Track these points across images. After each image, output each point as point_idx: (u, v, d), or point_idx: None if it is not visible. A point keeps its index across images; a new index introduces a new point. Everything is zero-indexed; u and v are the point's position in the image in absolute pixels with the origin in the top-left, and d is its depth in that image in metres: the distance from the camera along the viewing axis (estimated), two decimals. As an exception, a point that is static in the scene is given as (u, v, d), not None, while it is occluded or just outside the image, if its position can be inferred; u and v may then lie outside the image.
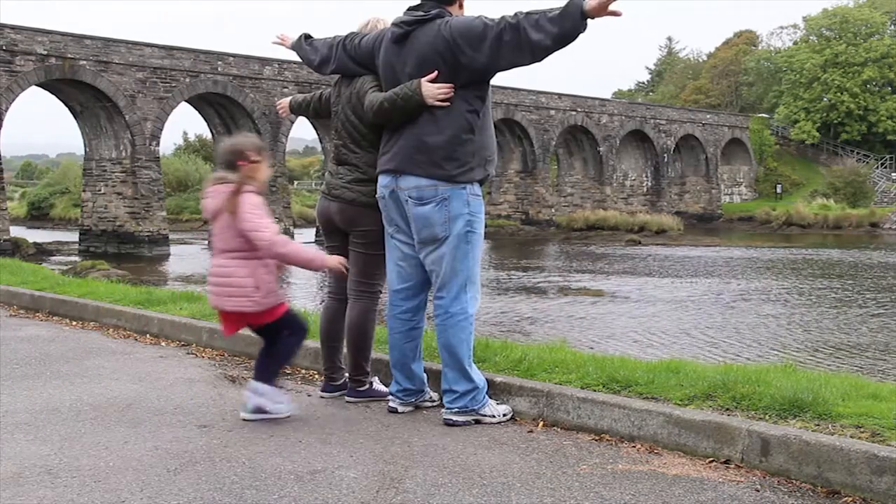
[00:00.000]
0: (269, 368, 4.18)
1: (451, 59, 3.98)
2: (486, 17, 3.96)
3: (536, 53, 3.88)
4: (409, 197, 4.09)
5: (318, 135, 43.71)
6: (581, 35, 3.80)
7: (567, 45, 3.85)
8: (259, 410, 4.09)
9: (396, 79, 4.13)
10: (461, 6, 4.19)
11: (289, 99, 5.04)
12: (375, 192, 4.30)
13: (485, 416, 4.09)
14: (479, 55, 3.94)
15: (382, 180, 4.21)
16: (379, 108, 4.14)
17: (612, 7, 3.69)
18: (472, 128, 4.08)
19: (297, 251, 4.10)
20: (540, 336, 13.84)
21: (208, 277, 4.15)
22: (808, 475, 3.24)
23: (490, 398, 4.18)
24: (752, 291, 21.46)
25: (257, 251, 3.99)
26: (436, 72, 4.00)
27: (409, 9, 4.16)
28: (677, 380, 4.10)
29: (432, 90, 4.00)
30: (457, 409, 4.08)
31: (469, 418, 4.08)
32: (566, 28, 3.78)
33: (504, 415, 4.14)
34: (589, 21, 3.75)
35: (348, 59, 4.42)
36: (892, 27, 66.76)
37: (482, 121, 4.12)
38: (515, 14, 3.90)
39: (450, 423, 4.07)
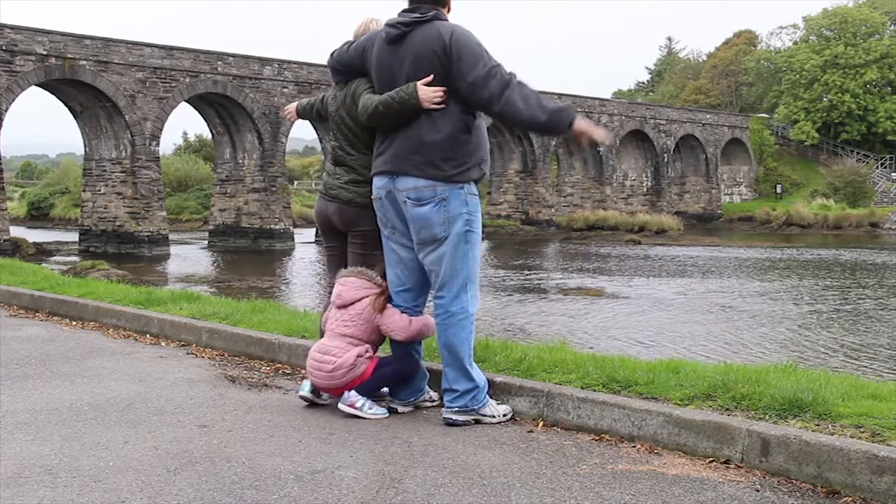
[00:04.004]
0: (364, 387, 4.26)
1: (447, 64, 4.01)
2: (485, 49, 4.04)
3: (508, 115, 4.00)
4: (408, 198, 4.10)
5: (317, 135, 43.72)
6: (553, 136, 3.95)
7: (533, 130, 4.08)
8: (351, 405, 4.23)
9: (393, 79, 4.13)
10: (449, 8, 4.24)
11: (295, 104, 5.05)
12: (370, 193, 4.31)
13: (485, 415, 4.09)
14: (463, 79, 3.98)
15: (378, 182, 4.21)
16: (374, 112, 4.14)
17: (589, 140, 4.01)
18: (468, 128, 4.11)
19: (423, 331, 4.33)
20: (540, 336, 13.85)
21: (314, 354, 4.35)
22: (808, 475, 3.24)
23: (490, 398, 4.18)
24: (741, 291, 21.49)
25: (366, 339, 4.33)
26: (432, 75, 4.01)
27: (404, 11, 4.16)
28: (677, 380, 4.10)
29: (428, 94, 4.02)
30: (457, 409, 4.08)
31: (469, 418, 4.08)
32: (552, 122, 3.99)
33: (504, 415, 4.14)
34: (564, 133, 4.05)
35: (335, 72, 4.48)
36: (892, 27, 66.71)
37: (477, 121, 4.16)
38: (509, 73, 4.02)
39: (450, 423, 4.07)
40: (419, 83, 4.02)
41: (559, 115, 4.00)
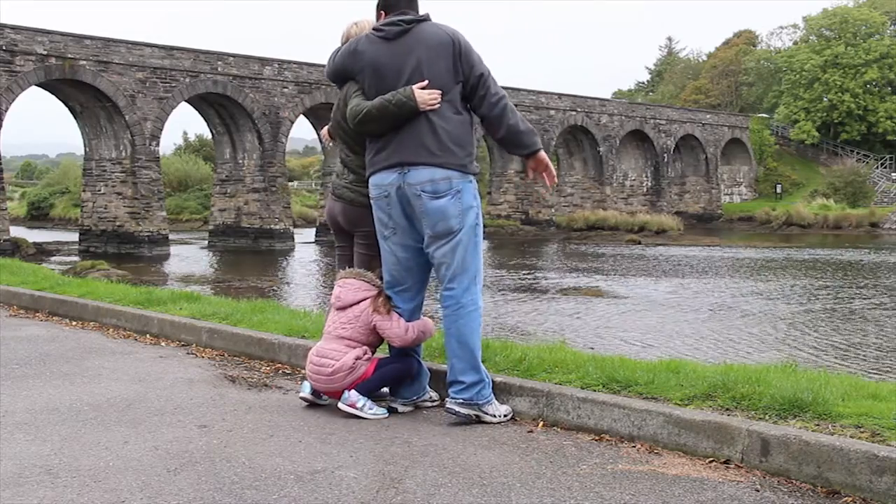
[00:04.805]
0: (364, 386, 4.25)
1: (457, 57, 4.13)
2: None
3: (501, 114, 4.15)
4: (423, 191, 4.09)
5: (318, 135, 43.73)
6: (516, 152, 4.28)
7: (509, 137, 4.19)
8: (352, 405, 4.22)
9: (398, 74, 4.13)
10: None
11: (328, 126, 4.98)
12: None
13: (486, 412, 4.08)
14: (474, 71, 4.15)
15: (383, 178, 4.17)
16: (366, 115, 4.14)
17: (544, 171, 4.30)
18: (470, 119, 4.23)
19: (421, 337, 4.34)
20: (540, 336, 13.85)
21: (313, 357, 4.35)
22: (808, 475, 3.24)
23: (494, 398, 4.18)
24: (737, 291, 21.49)
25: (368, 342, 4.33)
26: (426, 80, 4.08)
27: (396, 14, 4.20)
28: (677, 380, 4.09)
29: (425, 97, 4.07)
30: (462, 401, 4.06)
31: (472, 412, 4.06)
32: (527, 137, 4.20)
33: (505, 415, 4.13)
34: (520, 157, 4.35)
35: (334, 82, 4.53)
36: (893, 27, 66.70)
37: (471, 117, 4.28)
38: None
39: (451, 413, 4.06)
40: (414, 87, 4.06)
41: (534, 136, 4.24)
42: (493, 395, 4.16)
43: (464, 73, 4.13)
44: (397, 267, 4.28)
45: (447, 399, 4.15)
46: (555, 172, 4.37)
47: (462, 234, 4.12)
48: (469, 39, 4.24)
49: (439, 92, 4.09)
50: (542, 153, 4.28)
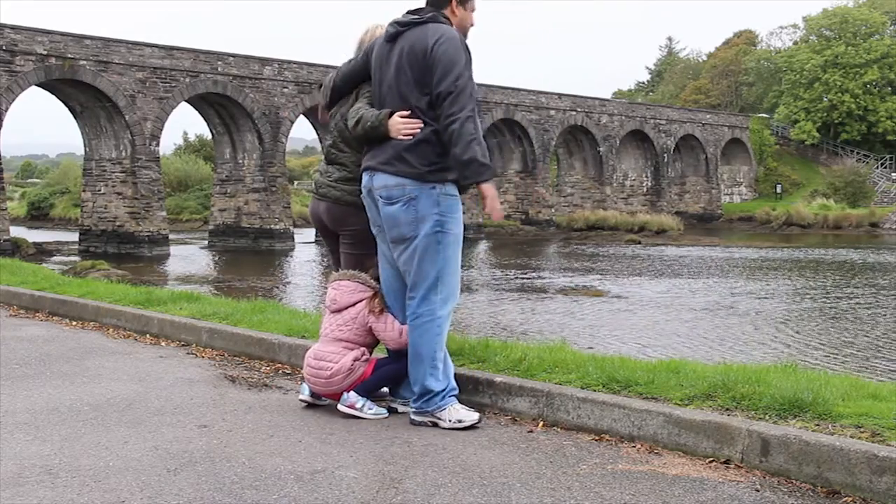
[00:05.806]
0: (363, 386, 4.26)
1: (427, 68, 4.01)
2: (464, 63, 3.98)
3: (449, 137, 3.93)
4: (380, 196, 4.13)
5: (317, 135, 43.73)
6: (463, 179, 4.03)
7: (455, 162, 3.96)
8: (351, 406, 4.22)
9: (381, 77, 4.18)
10: (454, 12, 4.18)
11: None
12: (360, 192, 4.33)
13: (441, 419, 4.06)
14: (435, 87, 3.96)
15: (363, 179, 4.25)
16: (354, 124, 4.21)
17: (491, 206, 4.08)
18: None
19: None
20: (540, 336, 13.85)
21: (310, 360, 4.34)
22: (808, 475, 3.24)
23: (456, 401, 4.11)
24: (734, 290, 21.50)
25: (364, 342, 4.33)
26: (409, 111, 4.04)
27: (408, 12, 4.21)
28: (677, 380, 4.09)
29: (398, 126, 4.05)
30: (414, 410, 4.13)
31: (426, 419, 4.09)
32: (474, 165, 3.92)
33: (459, 420, 4.03)
34: (471, 189, 4.11)
35: (336, 91, 4.48)
36: (893, 27, 66.68)
37: None
38: (472, 108, 3.97)
39: (411, 421, 4.12)
40: (396, 115, 4.06)
41: (476, 168, 3.95)
42: (451, 401, 4.09)
43: (431, 86, 4.00)
44: (388, 265, 4.31)
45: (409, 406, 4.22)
46: (499, 208, 4.10)
47: (417, 241, 4.05)
48: (468, 42, 4.12)
49: (418, 123, 4.02)
50: (486, 186, 4.02)
